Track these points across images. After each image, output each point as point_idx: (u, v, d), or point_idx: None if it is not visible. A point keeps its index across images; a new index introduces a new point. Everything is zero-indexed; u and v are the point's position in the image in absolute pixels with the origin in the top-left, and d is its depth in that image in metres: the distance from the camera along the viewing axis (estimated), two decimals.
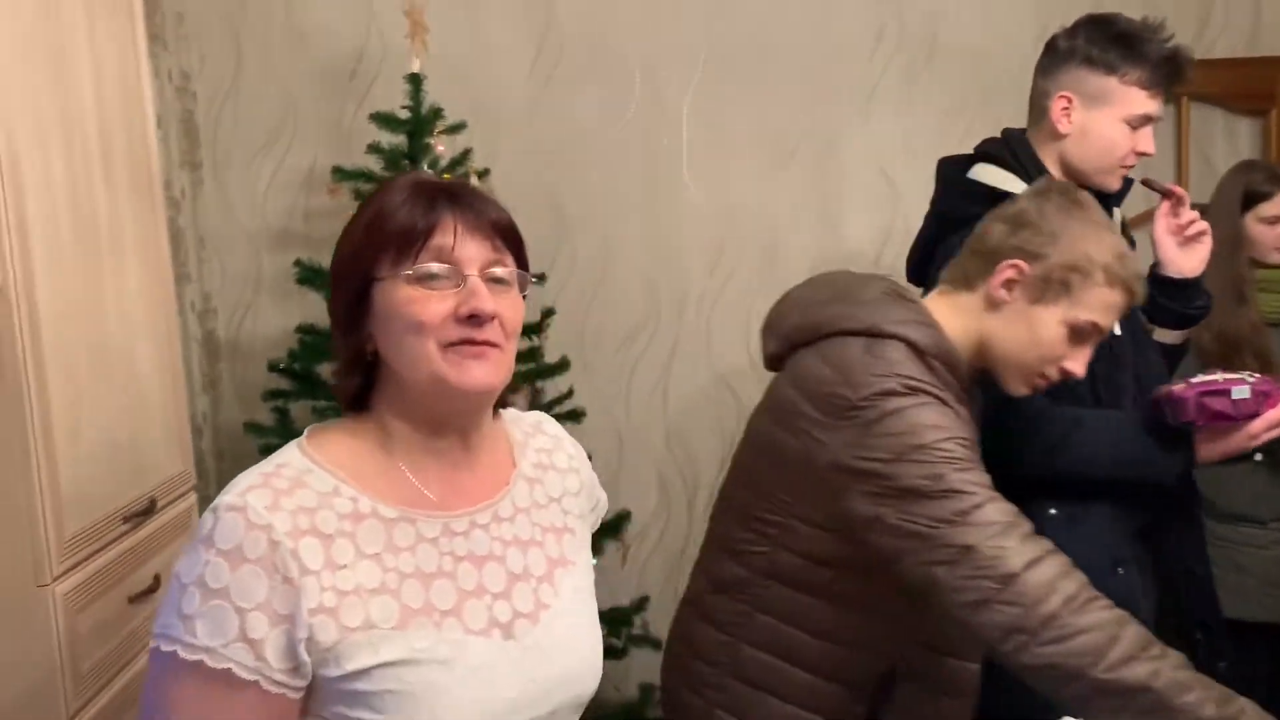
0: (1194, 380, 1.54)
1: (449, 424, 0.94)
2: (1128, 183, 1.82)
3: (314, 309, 2.78)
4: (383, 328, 0.91)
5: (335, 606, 0.84)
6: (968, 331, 1.34)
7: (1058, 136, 1.73)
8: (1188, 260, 1.70)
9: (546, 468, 1.05)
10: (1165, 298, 1.72)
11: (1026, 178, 1.69)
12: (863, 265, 3.15)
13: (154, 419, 1.74)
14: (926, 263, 1.78)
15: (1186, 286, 1.71)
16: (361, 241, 0.92)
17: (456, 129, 2.61)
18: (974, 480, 1.20)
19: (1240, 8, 3.17)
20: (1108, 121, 1.69)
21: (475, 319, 0.89)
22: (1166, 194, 1.74)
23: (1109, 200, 1.80)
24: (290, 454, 0.92)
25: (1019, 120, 3.08)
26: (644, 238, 3.04)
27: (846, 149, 3.07)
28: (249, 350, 2.95)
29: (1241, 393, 1.52)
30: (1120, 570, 1.60)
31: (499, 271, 0.93)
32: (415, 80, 2.47)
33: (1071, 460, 1.56)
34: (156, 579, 1.68)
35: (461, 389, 0.90)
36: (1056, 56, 1.77)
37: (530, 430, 1.07)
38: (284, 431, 2.50)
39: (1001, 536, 1.16)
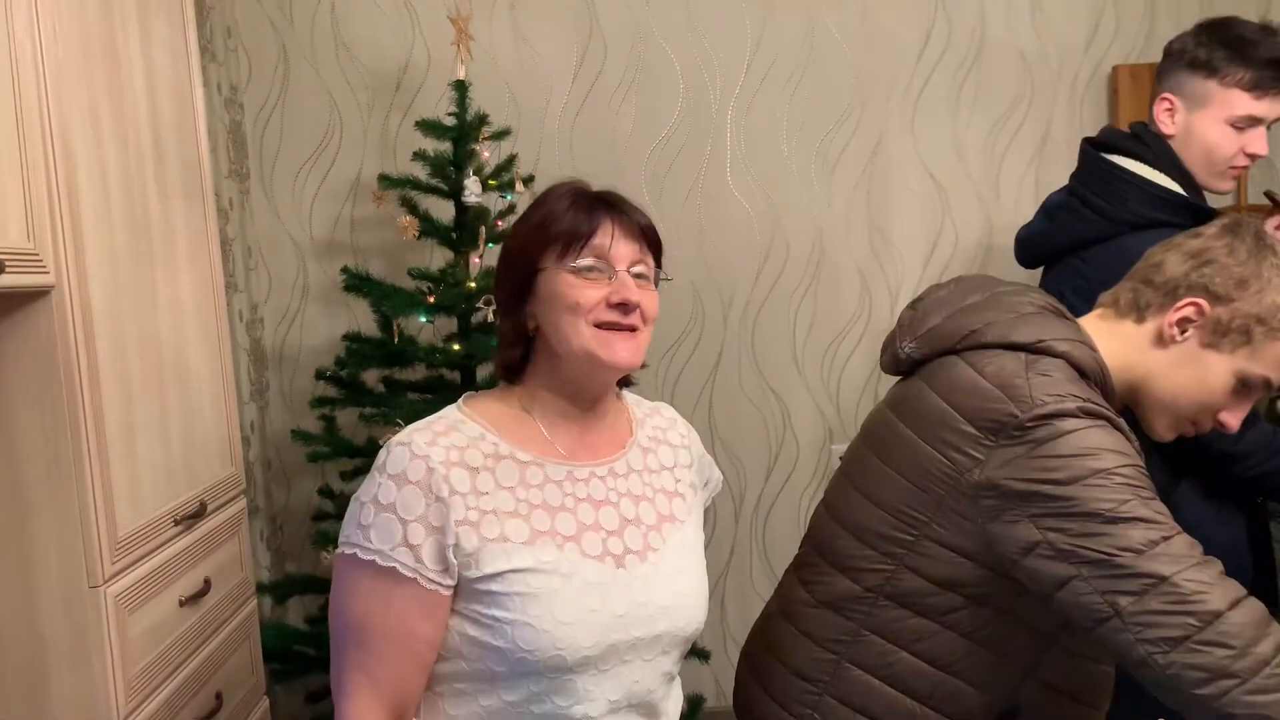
0: None
1: (585, 393, 1.14)
2: None
3: (361, 317, 2.79)
4: (544, 309, 1.11)
5: (477, 521, 1.04)
6: (1127, 364, 1.26)
7: (1166, 138, 1.75)
8: None
9: (661, 441, 1.22)
10: None
11: (1169, 174, 1.71)
12: (911, 269, 3.10)
13: (205, 422, 1.74)
14: (1064, 254, 1.77)
15: None
16: (530, 238, 1.12)
17: (501, 135, 2.60)
18: (1159, 510, 1.12)
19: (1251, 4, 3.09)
20: (1209, 123, 1.70)
21: (624, 306, 1.08)
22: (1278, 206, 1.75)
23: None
24: (448, 410, 1.13)
25: (1069, 123, 3.04)
26: (689, 244, 3.01)
27: (894, 152, 3.03)
28: (295, 359, 2.97)
29: None
30: (1245, 556, 1.67)
31: (641, 269, 1.12)
32: (461, 87, 2.47)
33: (1273, 478, 1.59)
34: (207, 582, 1.68)
35: (609, 363, 1.09)
36: (1168, 59, 1.78)
37: (650, 411, 1.26)
38: (331, 439, 2.50)
39: (1198, 570, 1.08)
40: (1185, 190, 1.72)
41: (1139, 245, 1.64)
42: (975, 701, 1.23)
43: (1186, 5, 2.98)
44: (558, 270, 1.09)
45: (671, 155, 3.01)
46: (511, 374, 1.16)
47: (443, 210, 2.53)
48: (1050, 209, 1.97)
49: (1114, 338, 1.27)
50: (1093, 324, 1.30)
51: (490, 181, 2.47)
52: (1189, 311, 1.23)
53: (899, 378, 1.37)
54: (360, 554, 1.03)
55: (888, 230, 3.05)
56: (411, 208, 2.45)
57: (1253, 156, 1.70)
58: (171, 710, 1.57)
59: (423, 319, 2.41)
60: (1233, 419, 1.27)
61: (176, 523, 1.60)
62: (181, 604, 1.61)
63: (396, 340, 2.41)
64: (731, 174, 3.03)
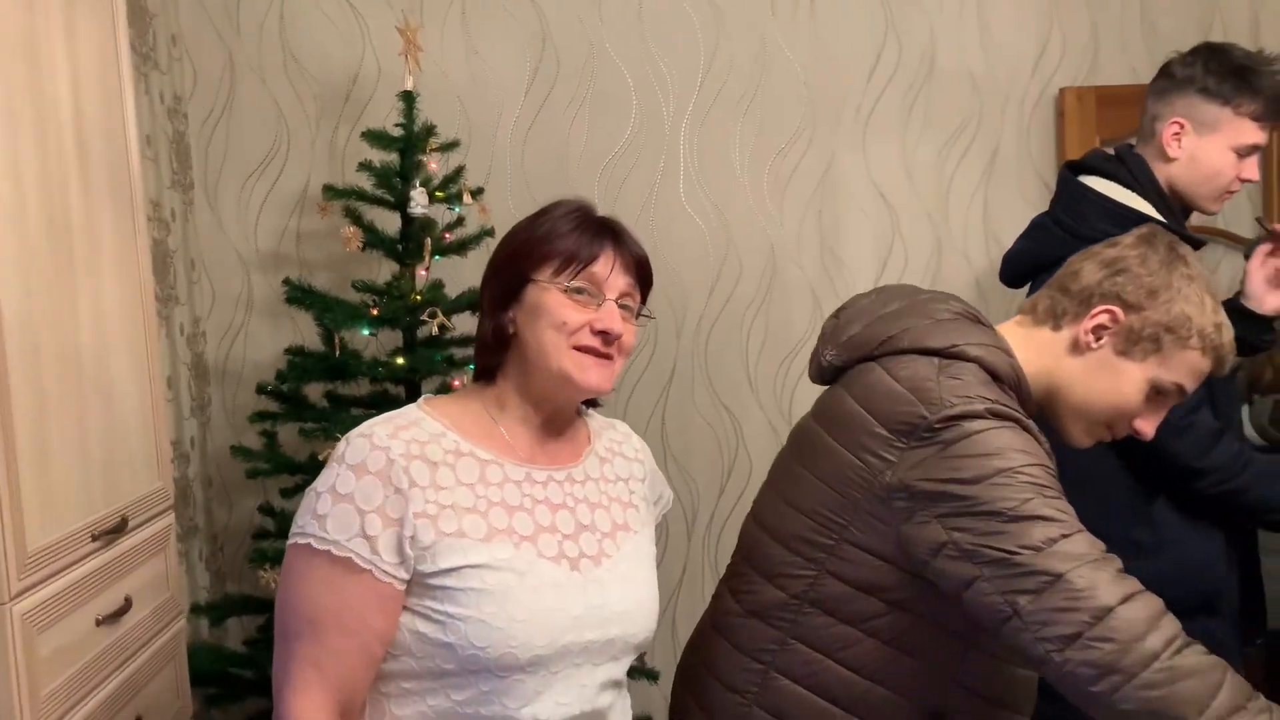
0: None
1: (550, 404, 1.16)
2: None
3: (306, 332, 2.74)
4: (528, 320, 1.12)
5: (435, 515, 1.04)
6: (1044, 369, 1.28)
7: (1166, 159, 1.79)
8: (1272, 300, 1.80)
9: (616, 454, 1.24)
10: (1241, 326, 1.78)
11: (1145, 195, 1.75)
12: (862, 287, 3.10)
13: (130, 434, 1.68)
14: (1040, 271, 1.80)
15: (1261, 320, 1.81)
16: (528, 248, 1.14)
17: (449, 147, 2.58)
18: (1062, 509, 1.13)
19: (1238, 17, 3.15)
20: (1217, 149, 1.75)
21: (606, 335, 1.11)
22: (1274, 236, 1.80)
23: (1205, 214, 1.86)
24: (408, 408, 1.14)
25: (1018, 144, 3.07)
26: None
27: (845, 171, 3.04)
28: (239, 374, 2.91)
29: None
30: (1230, 574, 1.73)
31: (628, 302, 1.16)
32: (408, 98, 2.44)
33: (1241, 496, 1.65)
34: (128, 600, 1.61)
35: (581, 385, 1.12)
36: (1172, 83, 1.81)
37: (606, 425, 1.28)
38: (272, 456, 2.44)
39: (1093, 569, 1.09)
40: (1163, 209, 1.76)
41: None
42: (901, 710, 1.23)
43: (1130, 29, 3.03)
44: (549, 286, 1.11)
45: (624, 171, 3.00)
46: (486, 374, 1.18)
47: (389, 222, 2.49)
48: (1030, 228, 2.01)
49: (1031, 344, 1.29)
50: (1011, 330, 1.32)
51: (438, 193, 2.44)
52: (1103, 319, 1.26)
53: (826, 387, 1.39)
54: (315, 543, 1.02)
55: (839, 249, 3.05)
56: (356, 219, 2.41)
57: (1245, 181, 1.77)
58: None
59: (365, 331, 2.37)
60: (1147, 426, 1.28)
61: (94, 538, 1.54)
62: (99, 623, 1.54)
63: (339, 353, 2.36)
64: (684, 191, 3.02)
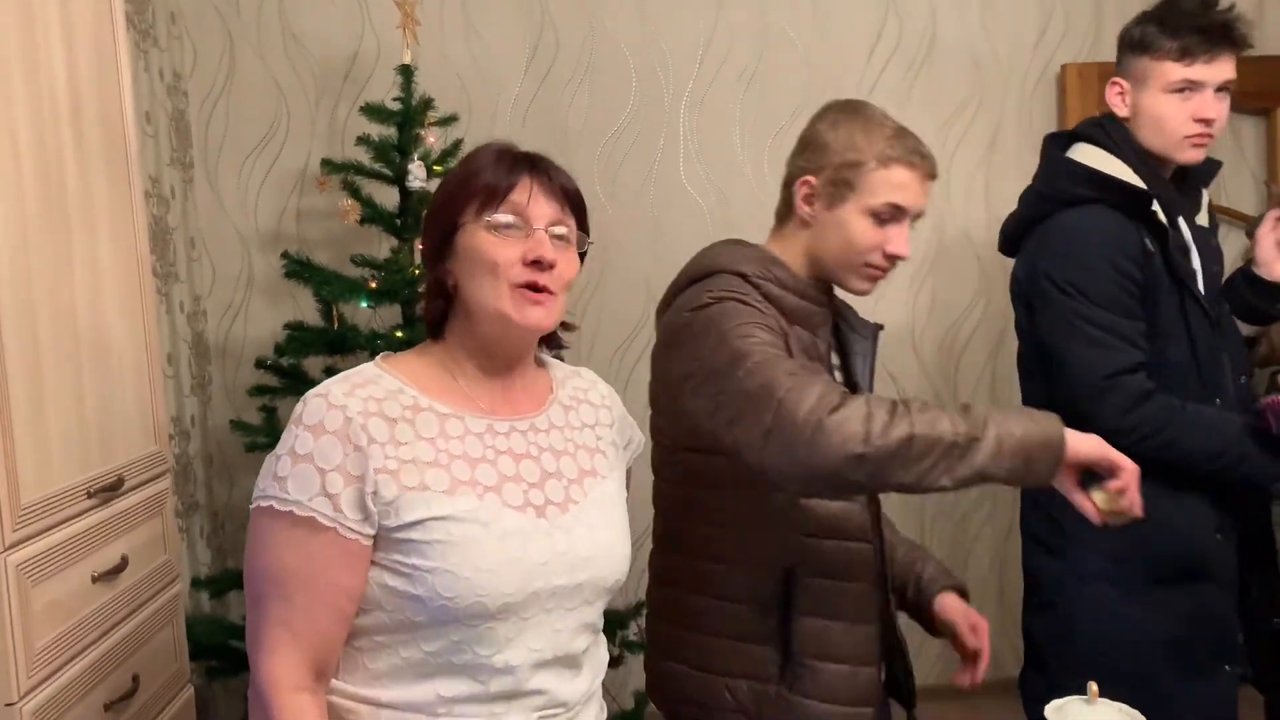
0: None
1: (501, 351, 1.14)
2: (1214, 164, 1.84)
3: (306, 310, 2.74)
4: (463, 265, 1.10)
5: (396, 469, 1.03)
6: (802, 253, 1.47)
7: (1126, 120, 1.77)
8: None
9: (582, 401, 1.23)
10: (1252, 294, 1.77)
11: (1124, 157, 1.74)
12: None
13: (126, 396, 1.68)
14: (1023, 238, 1.82)
15: (1273, 288, 1.74)
16: (452, 193, 1.12)
17: (448, 121, 2.58)
18: (770, 350, 1.28)
19: (1245, 6, 3.14)
20: (1151, 98, 1.72)
21: (538, 264, 1.08)
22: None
23: (1197, 179, 1.82)
24: (365, 366, 1.12)
25: (1019, 121, 3.06)
26: (642, 238, 2.99)
27: None
28: (239, 353, 2.91)
29: None
30: (1220, 535, 1.71)
31: (561, 230, 1.12)
32: (406, 72, 2.44)
33: (1170, 449, 1.64)
34: (124, 559, 1.62)
35: (521, 324, 1.09)
36: (1119, 46, 1.80)
37: (570, 373, 1.27)
38: (271, 430, 2.45)
39: (769, 367, 1.25)
40: (1143, 171, 1.74)
41: (1068, 221, 1.71)
42: (763, 582, 1.41)
43: (1132, 5, 3.01)
44: (475, 227, 1.09)
45: (624, 149, 3.00)
46: (435, 328, 1.17)
47: (387, 197, 2.50)
48: (1020, 197, 2.00)
49: (784, 241, 1.49)
50: (772, 241, 1.52)
51: (435, 167, 2.45)
52: (805, 190, 1.45)
53: None
54: (277, 505, 1.02)
55: None
56: (354, 192, 2.42)
57: (1205, 121, 1.70)
58: (81, 689, 1.50)
59: (364, 304, 2.37)
60: (897, 247, 1.42)
61: (90, 495, 1.54)
62: (94, 580, 1.55)
63: (337, 326, 2.36)
64: (684, 169, 3.02)
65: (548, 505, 1.11)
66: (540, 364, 1.25)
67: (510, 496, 1.09)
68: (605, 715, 1.23)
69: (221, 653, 2.40)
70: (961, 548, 3.21)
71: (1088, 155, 1.77)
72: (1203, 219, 1.81)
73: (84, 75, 1.61)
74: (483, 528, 1.05)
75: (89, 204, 1.60)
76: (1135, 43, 1.74)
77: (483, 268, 1.08)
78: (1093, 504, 1.22)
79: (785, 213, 1.49)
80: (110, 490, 1.59)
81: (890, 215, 1.40)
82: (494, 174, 1.10)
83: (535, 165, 1.12)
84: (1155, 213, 1.70)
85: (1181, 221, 1.76)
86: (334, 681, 1.07)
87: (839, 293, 1.53)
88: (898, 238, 1.41)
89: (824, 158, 1.43)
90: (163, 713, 1.75)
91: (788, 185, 1.48)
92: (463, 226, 1.10)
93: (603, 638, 1.23)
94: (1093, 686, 1.24)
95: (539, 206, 1.10)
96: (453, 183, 1.13)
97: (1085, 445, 1.21)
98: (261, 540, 1.04)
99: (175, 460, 2.63)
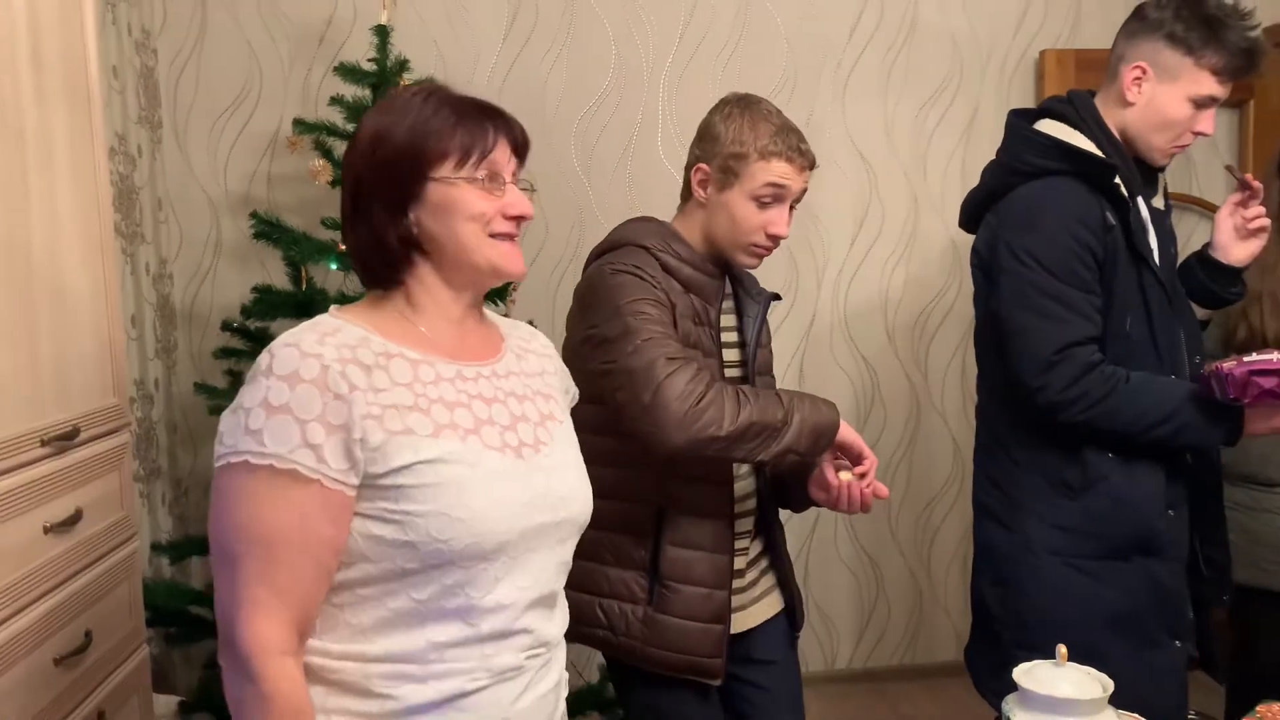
0: (1246, 358, 1.54)
1: (469, 299, 1.15)
2: None
3: (275, 275, 2.69)
4: (440, 218, 1.09)
5: (380, 415, 1.01)
6: (703, 232, 1.65)
7: (1124, 104, 1.75)
8: (1239, 251, 1.79)
9: (528, 350, 1.25)
10: (1207, 276, 1.80)
11: (1089, 133, 1.73)
12: (838, 246, 3.10)
13: (84, 346, 1.64)
14: (985, 212, 1.81)
15: (1228, 272, 1.80)
16: (417, 146, 1.09)
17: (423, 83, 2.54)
18: (656, 329, 1.49)
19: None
20: (1175, 98, 1.70)
21: (519, 219, 1.12)
22: (1243, 185, 1.76)
23: (1154, 166, 1.80)
24: (322, 317, 1.09)
25: (996, 105, 3.07)
26: (618, 212, 2.95)
27: (824, 129, 3.02)
28: (206, 318, 2.86)
29: None
30: (1171, 512, 1.71)
31: (522, 178, 1.16)
32: (382, 32, 2.40)
33: (1112, 419, 1.64)
34: (78, 511, 1.57)
35: (504, 270, 1.13)
36: (1143, 25, 1.76)
37: (511, 326, 1.28)
38: (236, 394, 2.40)
39: (654, 348, 1.47)
40: (1108, 147, 1.73)
41: (1031, 192, 1.71)
42: (638, 515, 1.61)
43: None
44: (457, 181, 1.09)
45: (602, 122, 2.97)
46: (383, 282, 1.12)
47: None
48: (982, 172, 2.00)
49: (687, 220, 1.67)
50: (676, 219, 1.70)
51: None
52: (699, 176, 1.64)
53: None
54: (253, 459, 0.97)
55: (816, 206, 3.03)
56: (326, 153, 2.37)
57: (1199, 134, 1.72)
58: (32, 640, 1.46)
59: (333, 266, 2.33)
60: (776, 228, 1.61)
61: (44, 443, 1.50)
62: (47, 531, 1.50)
63: (305, 289, 2.32)
64: (662, 145, 3.00)
65: (522, 446, 1.12)
66: (488, 316, 1.25)
67: (489, 438, 1.08)
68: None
69: (180, 619, 2.36)
70: (929, 527, 3.22)
71: (1053, 129, 1.76)
72: (1159, 202, 1.81)
73: (45, 20, 1.56)
74: (469, 469, 1.04)
75: (48, 150, 1.56)
76: (1178, 38, 1.70)
77: (469, 218, 1.09)
78: (835, 479, 1.59)
79: (686, 194, 1.68)
80: (65, 439, 1.55)
81: (771, 199, 1.60)
82: (471, 132, 1.09)
83: (507, 123, 1.14)
84: (1117, 186, 1.69)
85: (1140, 201, 1.76)
86: (313, 642, 1.03)
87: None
88: (778, 220, 1.61)
89: (715, 147, 1.62)
90: (116, 671, 1.72)
91: (687, 170, 1.67)
92: (437, 181, 1.08)
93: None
94: (1061, 649, 1.23)
95: (511, 163, 1.14)
96: (410, 135, 1.09)
97: (848, 433, 1.57)
98: (234, 498, 0.99)
99: (138, 424, 2.58)
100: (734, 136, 1.59)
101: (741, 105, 1.63)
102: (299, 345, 1.00)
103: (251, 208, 2.74)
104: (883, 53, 3.06)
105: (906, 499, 3.20)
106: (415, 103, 1.10)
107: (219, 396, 2.42)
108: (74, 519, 1.57)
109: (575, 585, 1.55)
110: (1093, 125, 1.74)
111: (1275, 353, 1.57)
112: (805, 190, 1.65)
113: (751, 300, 1.74)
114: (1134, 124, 1.74)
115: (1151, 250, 1.74)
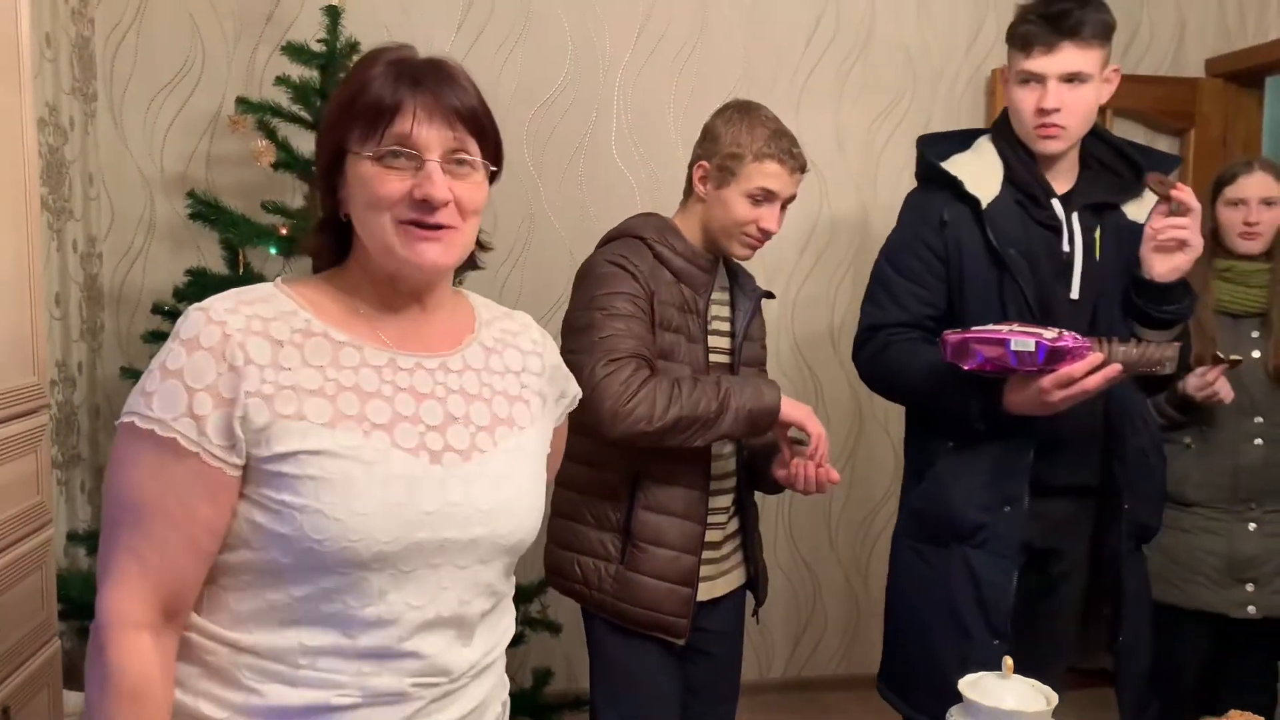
0: (978, 327, 1.59)
1: (406, 287, 1.04)
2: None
3: (211, 259, 2.60)
4: (352, 198, 1.00)
5: (272, 395, 0.94)
6: (696, 223, 1.78)
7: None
8: (1159, 265, 1.66)
9: (509, 344, 1.13)
10: (1135, 293, 1.71)
11: (995, 140, 1.83)
12: (789, 249, 3.10)
13: (2, 322, 1.55)
14: None
15: (1155, 288, 1.68)
16: (340, 112, 1.00)
17: None
18: (617, 325, 1.62)
19: (1164, 29, 3.24)
20: (1010, 88, 1.76)
21: (427, 204, 0.97)
22: (1165, 198, 1.68)
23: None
24: (261, 285, 1.02)
25: (948, 120, 3.10)
26: (569, 211, 2.94)
27: None
28: (135, 300, 2.75)
29: (1023, 345, 1.53)
30: (1008, 508, 1.71)
31: (463, 156, 0.99)
32: (333, 12, 2.34)
33: (894, 393, 1.87)
34: None
35: (413, 265, 0.99)
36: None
37: (501, 315, 1.16)
38: None
39: (603, 346, 1.60)
40: (1014, 155, 1.77)
41: (908, 199, 1.90)
42: (611, 483, 1.73)
43: None
44: (360, 157, 0.97)
45: (554, 120, 2.93)
46: (321, 261, 1.06)
47: (304, 142, 2.38)
48: None
49: (686, 215, 1.81)
50: (677, 214, 1.83)
51: None
52: (700, 173, 1.77)
53: None
54: (139, 422, 0.92)
55: None
56: (270, 134, 2.30)
57: (1043, 111, 1.70)
58: None
59: (273, 251, 2.26)
60: (767, 223, 1.73)
61: None
62: None
63: (242, 273, 2.24)
64: (616, 144, 2.97)
65: (446, 451, 1.01)
66: (461, 295, 1.14)
67: (403, 437, 0.99)
68: (507, 694, 1.14)
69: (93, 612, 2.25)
70: (869, 537, 3.23)
71: (981, 144, 1.85)
72: (1138, 214, 1.77)
73: None
74: (364, 467, 0.95)
75: None
76: (1006, 34, 1.78)
77: (368, 203, 0.97)
78: (789, 451, 1.69)
79: (688, 190, 1.81)
80: None
81: (764, 198, 1.72)
82: (377, 93, 0.97)
83: (420, 82, 0.97)
84: (959, 184, 1.75)
85: (1059, 205, 1.76)
86: (194, 617, 0.97)
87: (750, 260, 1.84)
88: (769, 216, 1.74)
89: (715, 147, 1.74)
90: (25, 664, 1.63)
91: (690, 167, 1.80)
92: (350, 154, 0.98)
93: (509, 606, 1.13)
94: (1008, 661, 1.23)
95: (428, 133, 0.97)
96: (341, 98, 1.00)
97: (793, 412, 1.67)
98: (121, 460, 0.94)
99: (58, 408, 2.46)
100: (732, 138, 1.72)
101: (742, 110, 1.76)
102: (208, 310, 0.95)
103: (188, 186, 2.65)
104: (838, 63, 3.07)
105: (846, 508, 3.21)
106: (359, 66, 1.01)
107: None
108: None
109: (556, 541, 1.80)
110: (1001, 134, 1.82)
111: (1015, 324, 1.60)
112: (796, 193, 1.78)
113: (745, 296, 1.86)
114: (1014, 124, 1.78)
115: (1032, 259, 1.73)
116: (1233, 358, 2.01)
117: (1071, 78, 1.70)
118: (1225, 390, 2.03)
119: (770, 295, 1.92)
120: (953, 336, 1.60)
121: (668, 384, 1.60)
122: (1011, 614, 1.72)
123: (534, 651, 2.77)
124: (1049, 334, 1.55)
